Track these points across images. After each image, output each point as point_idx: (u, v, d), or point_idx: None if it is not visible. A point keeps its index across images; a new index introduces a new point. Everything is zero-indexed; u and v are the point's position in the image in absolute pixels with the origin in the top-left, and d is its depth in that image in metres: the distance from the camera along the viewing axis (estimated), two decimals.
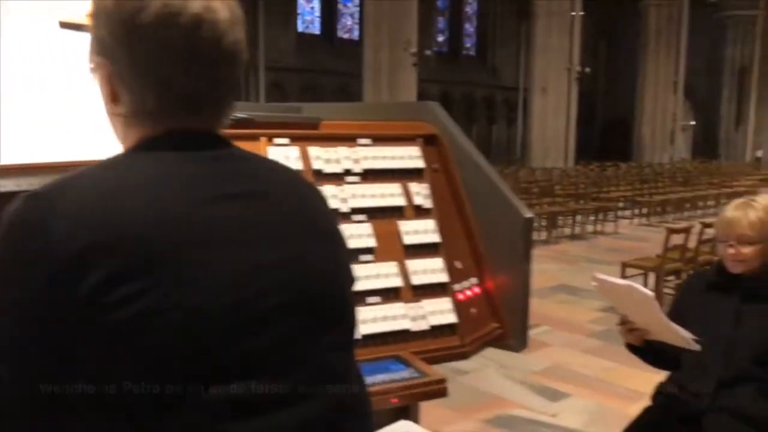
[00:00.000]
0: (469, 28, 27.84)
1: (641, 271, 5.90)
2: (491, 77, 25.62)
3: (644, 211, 12.41)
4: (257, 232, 0.79)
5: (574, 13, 19.09)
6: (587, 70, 22.39)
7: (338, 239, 0.91)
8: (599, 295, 2.39)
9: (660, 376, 2.20)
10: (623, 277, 5.88)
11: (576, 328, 5.29)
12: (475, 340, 1.82)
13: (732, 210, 2.00)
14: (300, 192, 0.89)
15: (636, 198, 13.13)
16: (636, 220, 12.18)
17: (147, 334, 0.68)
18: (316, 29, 24.53)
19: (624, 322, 2.05)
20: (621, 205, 12.64)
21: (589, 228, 10.89)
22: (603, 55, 29.05)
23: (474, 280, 1.90)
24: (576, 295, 6.45)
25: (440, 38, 26.79)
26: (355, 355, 0.90)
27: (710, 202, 13.56)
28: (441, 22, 26.68)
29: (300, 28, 23.87)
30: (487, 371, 4.22)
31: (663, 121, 23.24)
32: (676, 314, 2.23)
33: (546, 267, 7.06)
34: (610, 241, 9.98)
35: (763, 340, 1.93)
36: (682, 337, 1.91)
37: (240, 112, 1.73)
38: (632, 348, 2.16)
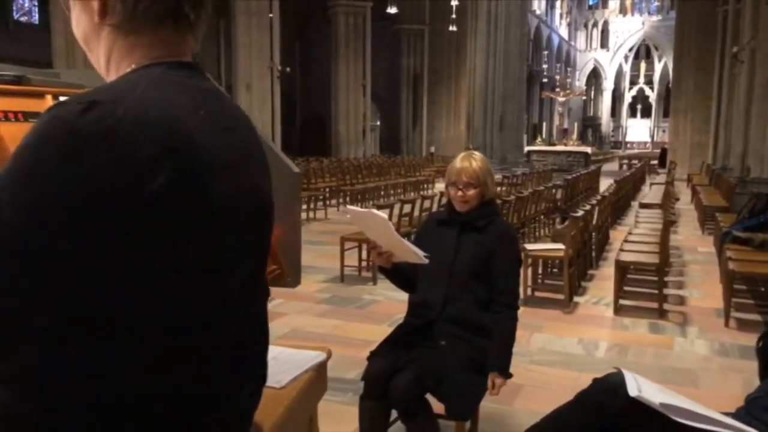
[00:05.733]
0: None
1: (356, 244, 6.66)
2: None
3: (348, 199, 13.69)
4: (247, 162, 0.94)
5: (271, 15, 19.86)
6: (287, 69, 23.48)
7: (269, 170, 1.05)
8: (353, 224, 2.80)
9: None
10: (342, 249, 6.59)
11: (306, 298, 5.78)
12: None
13: (459, 161, 2.59)
14: (251, 127, 1.02)
15: (341, 187, 14.42)
16: (341, 207, 13.37)
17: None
18: None
19: (373, 246, 2.51)
20: (328, 194, 13.79)
21: (303, 216, 11.69)
22: (298, 56, 30.66)
23: None
24: (302, 272, 6.96)
25: None
26: None
27: (399, 189, 15.62)
28: None
29: None
30: None
31: (355, 120, 25.45)
32: (415, 245, 2.79)
33: None
34: (322, 226, 10.85)
35: (476, 261, 2.55)
36: (414, 252, 2.42)
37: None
38: (383, 271, 2.63)
